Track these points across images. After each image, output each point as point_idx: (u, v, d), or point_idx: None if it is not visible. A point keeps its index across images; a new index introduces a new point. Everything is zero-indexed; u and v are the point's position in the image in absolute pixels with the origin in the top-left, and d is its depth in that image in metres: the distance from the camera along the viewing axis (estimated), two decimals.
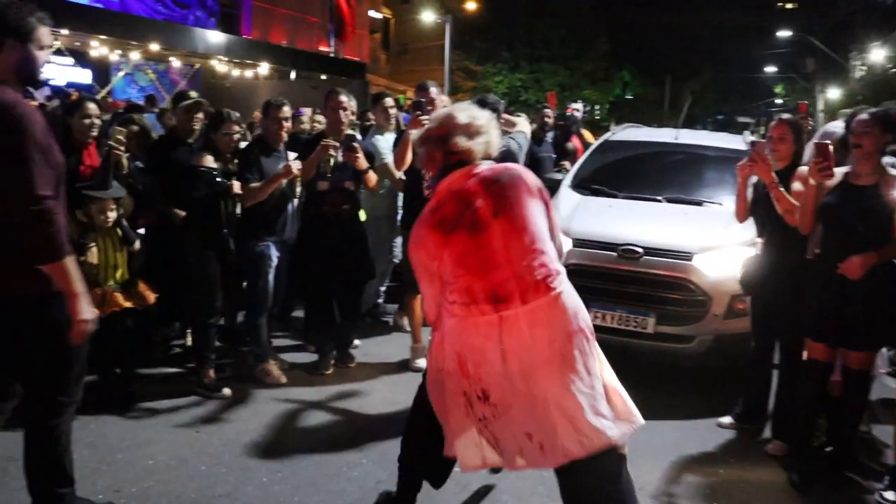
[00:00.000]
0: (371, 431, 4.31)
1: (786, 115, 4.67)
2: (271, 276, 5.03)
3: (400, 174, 5.38)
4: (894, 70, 24.48)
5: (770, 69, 41.36)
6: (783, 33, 33.85)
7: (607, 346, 4.99)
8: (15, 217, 2.69)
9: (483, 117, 2.94)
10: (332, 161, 4.99)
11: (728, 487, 3.92)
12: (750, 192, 4.48)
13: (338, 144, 5.03)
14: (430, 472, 3.29)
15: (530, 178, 2.91)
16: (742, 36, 41.34)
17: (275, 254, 5.04)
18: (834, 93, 31.90)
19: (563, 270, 2.85)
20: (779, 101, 41.27)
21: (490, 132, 2.93)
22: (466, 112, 2.94)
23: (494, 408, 2.75)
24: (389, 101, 6.38)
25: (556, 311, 2.73)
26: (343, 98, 5.24)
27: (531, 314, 2.70)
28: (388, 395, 4.90)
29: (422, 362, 5.09)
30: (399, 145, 5.24)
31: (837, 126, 4.75)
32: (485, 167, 2.89)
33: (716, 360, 5.09)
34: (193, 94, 5.32)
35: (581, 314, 2.80)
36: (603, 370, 2.85)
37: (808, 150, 4.22)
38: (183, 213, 4.90)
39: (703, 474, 4.04)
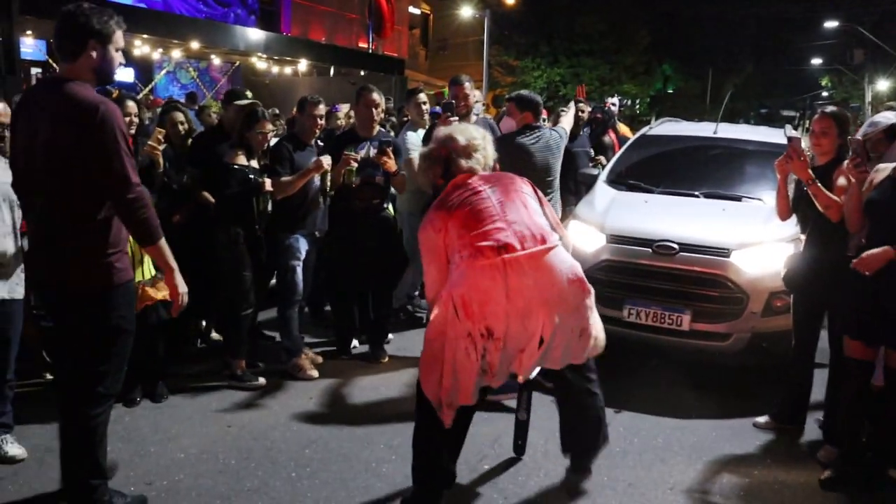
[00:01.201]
0: (401, 427, 4.28)
1: (830, 108, 4.45)
2: (300, 269, 5.07)
3: None
4: None
5: (816, 61, 40.37)
6: (830, 24, 32.95)
7: (642, 343, 5.01)
8: (92, 213, 2.88)
9: (478, 135, 3.44)
10: (353, 175, 5.07)
11: (762, 489, 3.83)
12: (792, 189, 4.36)
13: (358, 157, 5.10)
14: (444, 471, 3.45)
15: (524, 178, 3.48)
16: (786, 27, 40.46)
17: (304, 246, 5.08)
18: (883, 84, 31.08)
19: (556, 234, 3.30)
20: (825, 93, 40.28)
21: (486, 146, 3.44)
22: (464, 134, 3.41)
23: (497, 341, 3.12)
24: (423, 97, 6.37)
25: (554, 260, 3.18)
26: (375, 96, 5.28)
27: (532, 259, 3.13)
28: None
29: None
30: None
31: (884, 116, 4.59)
32: (483, 172, 3.40)
33: (752, 358, 4.99)
34: (248, 93, 5.38)
35: (576, 267, 3.26)
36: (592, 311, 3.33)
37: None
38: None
39: (738, 474, 3.96)
